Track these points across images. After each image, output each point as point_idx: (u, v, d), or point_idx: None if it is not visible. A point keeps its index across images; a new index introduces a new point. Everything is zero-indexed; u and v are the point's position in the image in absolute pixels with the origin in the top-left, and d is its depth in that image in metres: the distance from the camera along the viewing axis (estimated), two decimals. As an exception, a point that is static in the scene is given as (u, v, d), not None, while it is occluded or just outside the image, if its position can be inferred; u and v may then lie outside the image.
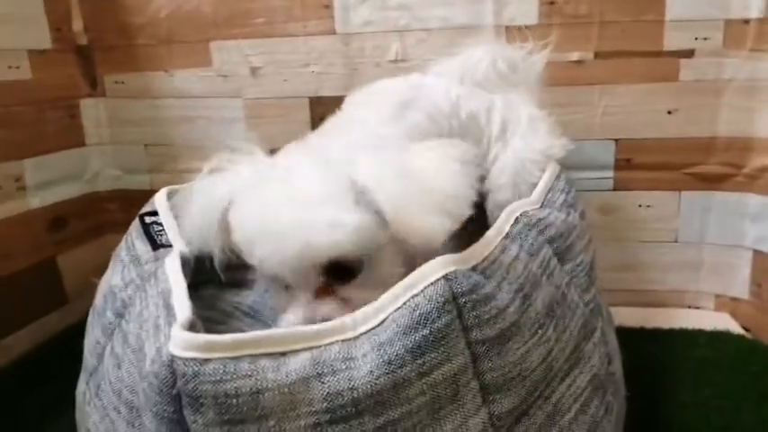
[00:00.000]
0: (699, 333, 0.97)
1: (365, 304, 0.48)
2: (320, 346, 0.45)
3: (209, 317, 0.74)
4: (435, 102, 0.78)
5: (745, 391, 0.81)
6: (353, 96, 0.82)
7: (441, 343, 0.47)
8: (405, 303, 0.48)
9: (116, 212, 1.21)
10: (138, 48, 1.12)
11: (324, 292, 0.54)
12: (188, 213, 0.64)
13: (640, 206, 1.04)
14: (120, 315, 0.62)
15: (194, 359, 0.43)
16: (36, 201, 1.05)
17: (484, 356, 0.49)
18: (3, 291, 0.98)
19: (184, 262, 0.60)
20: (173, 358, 0.44)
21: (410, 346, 0.46)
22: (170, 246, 0.67)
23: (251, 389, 0.43)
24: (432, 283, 0.49)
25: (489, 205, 0.82)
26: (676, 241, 1.04)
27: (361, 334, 0.47)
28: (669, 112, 1.00)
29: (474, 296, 0.50)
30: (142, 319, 0.55)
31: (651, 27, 0.97)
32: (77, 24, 1.11)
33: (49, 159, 1.07)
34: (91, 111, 1.15)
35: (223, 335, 0.44)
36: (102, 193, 1.20)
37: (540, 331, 0.55)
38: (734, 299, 1.03)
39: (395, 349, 0.46)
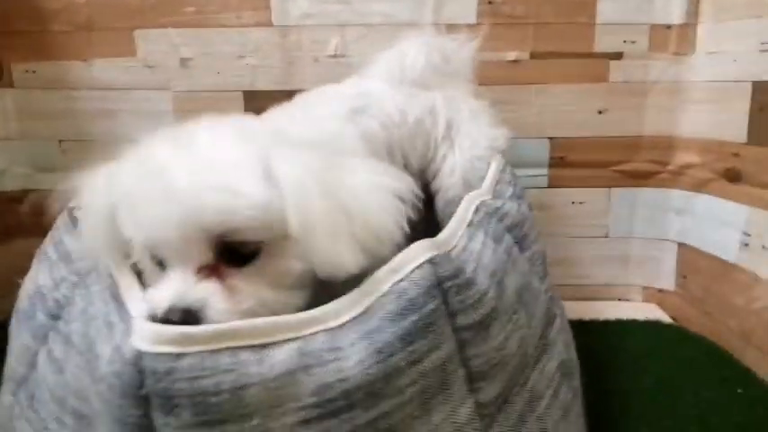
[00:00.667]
0: (632, 324, 1.01)
1: (252, 300, 0.44)
2: (302, 337, 0.42)
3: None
4: (386, 110, 0.77)
5: (683, 377, 0.84)
6: (304, 95, 0.79)
7: (429, 329, 0.45)
8: (390, 288, 0.45)
9: (26, 214, 1.10)
10: (52, 34, 1.03)
11: (207, 271, 0.45)
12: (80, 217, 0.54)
13: (573, 203, 1.07)
14: (54, 316, 0.55)
15: (167, 354, 0.38)
16: (-67, 201, 0.94)
17: (469, 343, 0.48)
18: None
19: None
20: (140, 355, 0.39)
21: (399, 333, 0.44)
22: None
23: (232, 385, 0.39)
24: (417, 267, 0.47)
25: (440, 204, 0.82)
26: (607, 236, 1.08)
27: (346, 322, 0.44)
28: (600, 112, 1.04)
29: (457, 281, 0.48)
30: (87, 317, 0.49)
31: (583, 29, 1.00)
32: (-18, 8, 1.01)
33: (-52, 155, 0.96)
34: (-4, 102, 1.05)
35: (199, 326, 0.40)
36: (10, 192, 1.09)
37: (514, 317, 0.55)
38: (660, 290, 1.08)
39: (384, 337, 0.43)
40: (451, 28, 0.97)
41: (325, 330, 0.43)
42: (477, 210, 0.64)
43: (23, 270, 1.11)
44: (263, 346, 0.40)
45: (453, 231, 0.57)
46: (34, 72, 1.04)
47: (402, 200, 0.50)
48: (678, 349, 0.92)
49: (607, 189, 1.07)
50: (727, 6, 0.93)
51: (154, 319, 0.42)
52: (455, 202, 0.69)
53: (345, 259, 0.45)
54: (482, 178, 0.78)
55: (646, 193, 1.06)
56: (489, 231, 0.61)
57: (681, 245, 1.05)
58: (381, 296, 0.45)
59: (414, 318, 0.45)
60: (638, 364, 0.89)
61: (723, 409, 0.77)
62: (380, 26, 1.01)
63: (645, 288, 1.10)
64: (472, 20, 1.00)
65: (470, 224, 0.61)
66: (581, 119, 1.04)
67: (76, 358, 0.48)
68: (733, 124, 0.92)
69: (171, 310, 0.43)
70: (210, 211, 0.43)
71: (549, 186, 1.07)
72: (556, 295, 0.72)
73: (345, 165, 0.51)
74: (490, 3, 1.00)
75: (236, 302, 0.44)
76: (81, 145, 1.07)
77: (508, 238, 0.64)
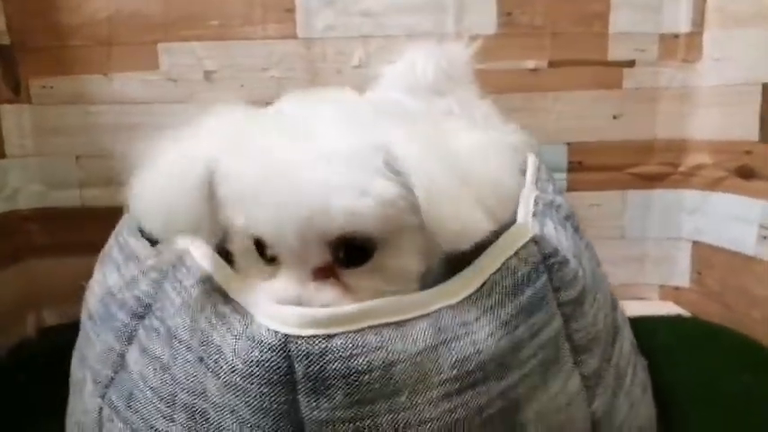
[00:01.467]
0: (654, 320, 1.04)
1: (369, 297, 0.43)
2: (430, 314, 0.43)
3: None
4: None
5: (717, 367, 0.87)
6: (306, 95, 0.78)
7: (542, 303, 0.47)
8: (503, 265, 0.47)
9: (38, 234, 1.07)
10: (71, 49, 1.02)
11: (323, 272, 0.44)
12: (147, 187, 0.49)
13: (591, 205, 1.11)
14: (138, 315, 0.54)
15: (318, 336, 0.39)
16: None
17: (571, 317, 0.50)
18: None
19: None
20: (286, 339, 0.39)
21: (520, 307, 0.45)
22: None
23: (383, 362, 0.39)
24: (523, 246, 0.48)
25: None
26: (623, 237, 1.12)
27: (464, 299, 0.45)
28: (614, 117, 1.08)
29: (558, 258, 0.50)
30: (192, 312, 0.49)
31: (598, 39, 1.05)
32: (0, 23, 0.99)
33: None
34: (12, 118, 1.02)
35: (345, 306, 0.41)
36: (23, 211, 1.06)
37: (597, 296, 0.57)
38: (676, 288, 1.12)
39: (507, 311, 0.45)
40: (472, 38, 1.01)
41: (448, 307, 0.44)
42: (536, 202, 0.67)
43: (35, 293, 1.08)
44: (402, 323, 0.41)
45: (524, 222, 0.59)
46: (52, 87, 1.03)
47: (515, 150, 0.50)
48: (705, 341, 0.95)
49: (622, 191, 1.11)
50: (731, 15, 0.99)
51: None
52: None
53: (475, 225, 0.43)
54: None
55: (659, 195, 1.10)
56: (554, 220, 0.64)
57: (695, 243, 1.09)
58: (494, 273, 0.46)
59: (530, 292, 0.46)
60: (669, 358, 0.90)
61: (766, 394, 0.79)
62: (402, 37, 1.03)
63: (661, 286, 1.13)
64: (492, 30, 1.03)
65: (534, 214, 0.63)
66: (597, 124, 1.08)
67: (186, 354, 0.47)
68: (744, 124, 0.97)
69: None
70: (335, 214, 0.41)
71: (567, 190, 1.10)
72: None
73: (448, 130, 0.49)
74: (509, 14, 1.03)
75: (357, 301, 0.43)
76: (99, 161, 1.05)
77: (569, 227, 0.66)
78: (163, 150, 0.50)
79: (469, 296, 0.45)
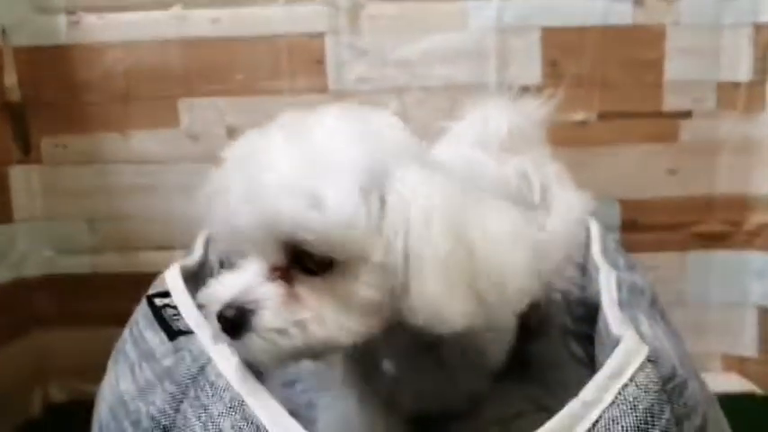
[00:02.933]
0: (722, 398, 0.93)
1: (308, 313, 0.41)
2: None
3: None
4: (487, 176, 0.71)
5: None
6: None
7: (668, 442, 0.38)
8: (617, 397, 0.38)
9: (47, 303, 0.99)
10: (86, 106, 0.96)
11: (279, 273, 0.42)
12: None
13: (647, 268, 1.01)
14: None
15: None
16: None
17: (695, 454, 0.40)
18: None
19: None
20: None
21: (643, 452, 0.36)
22: (190, 332, 0.52)
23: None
24: (639, 368, 0.39)
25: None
26: (683, 303, 1.03)
27: (574, 441, 0.36)
28: (671, 172, 1.00)
29: (677, 380, 0.41)
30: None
31: (651, 89, 0.98)
32: (10, 78, 0.93)
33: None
34: (21, 180, 0.95)
35: None
36: (31, 279, 0.98)
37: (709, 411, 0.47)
38: (742, 358, 1.02)
39: (629, 458, 0.35)
40: (516, 90, 0.94)
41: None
42: (618, 286, 0.58)
43: (42, 368, 1.00)
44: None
45: (614, 315, 0.50)
46: (65, 146, 0.96)
47: (540, 256, 0.45)
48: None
49: (682, 253, 1.02)
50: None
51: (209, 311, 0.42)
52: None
53: (455, 312, 0.39)
54: (581, 245, 0.74)
55: (721, 256, 1.01)
56: (641, 311, 0.55)
57: (762, 309, 1.00)
58: (609, 406, 0.37)
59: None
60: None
61: None
62: (441, 89, 0.96)
63: (724, 356, 1.03)
64: (537, 80, 0.96)
65: (621, 304, 0.54)
66: (651, 180, 1.00)
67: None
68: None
69: (228, 306, 0.41)
70: (283, 217, 0.40)
71: (621, 251, 1.01)
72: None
73: (482, 202, 0.45)
74: (555, 63, 0.96)
75: (291, 312, 0.41)
76: (114, 224, 0.98)
77: (659, 318, 0.58)
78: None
79: (580, 438, 0.36)
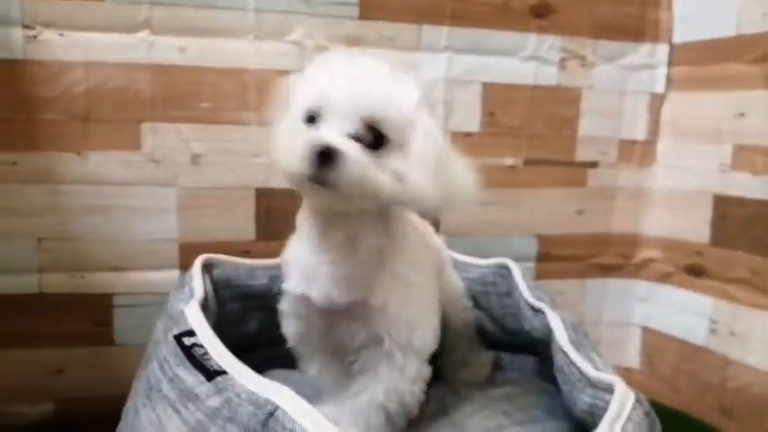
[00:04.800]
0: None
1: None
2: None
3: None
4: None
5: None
6: None
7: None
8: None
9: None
10: (40, 124, 0.93)
11: (350, 137, 0.57)
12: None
13: (556, 293, 1.18)
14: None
15: None
16: None
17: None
18: None
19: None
20: None
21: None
22: (224, 372, 0.57)
23: None
24: (632, 408, 0.52)
25: None
26: (581, 323, 1.20)
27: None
28: (579, 213, 1.17)
29: (647, 407, 0.54)
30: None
31: (567, 141, 1.14)
32: (-40, 91, 0.89)
33: None
34: (-35, 197, 0.91)
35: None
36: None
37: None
38: (627, 369, 1.21)
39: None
40: (457, 135, 1.06)
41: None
42: (564, 324, 0.72)
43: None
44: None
45: (579, 359, 0.63)
46: (15, 163, 0.93)
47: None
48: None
49: (582, 280, 1.19)
50: (683, 130, 1.12)
51: (308, 148, 0.54)
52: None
53: (433, 195, 0.59)
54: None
55: (613, 284, 1.20)
56: (591, 347, 0.68)
57: (645, 329, 1.20)
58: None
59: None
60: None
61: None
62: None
63: (614, 367, 1.22)
64: (476, 128, 1.09)
65: (576, 346, 0.68)
66: (563, 218, 1.16)
67: None
68: (694, 227, 1.09)
69: (326, 146, 0.54)
70: (377, 100, 0.58)
71: (535, 279, 1.16)
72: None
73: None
74: (492, 114, 1.09)
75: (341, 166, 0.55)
76: (63, 244, 0.96)
77: (597, 350, 0.71)
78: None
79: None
